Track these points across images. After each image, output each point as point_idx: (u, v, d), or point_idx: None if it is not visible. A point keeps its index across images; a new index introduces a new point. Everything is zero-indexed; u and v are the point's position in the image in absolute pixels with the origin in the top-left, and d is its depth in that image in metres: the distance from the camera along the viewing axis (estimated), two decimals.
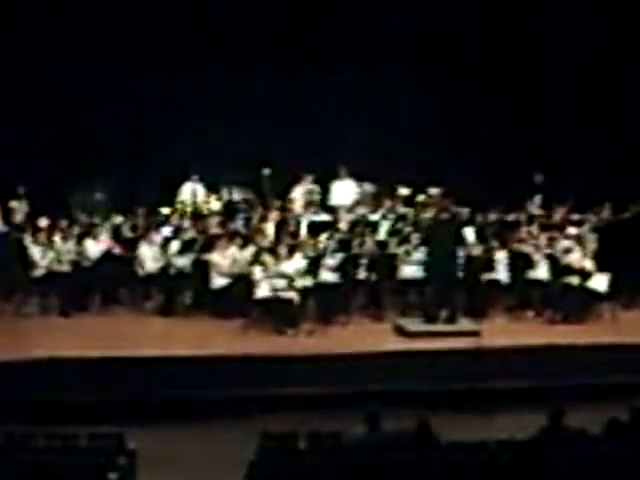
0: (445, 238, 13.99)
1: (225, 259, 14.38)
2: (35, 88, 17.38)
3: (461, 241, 14.42)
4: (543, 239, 14.94)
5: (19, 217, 16.12)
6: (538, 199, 16.48)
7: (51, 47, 17.24)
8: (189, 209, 16.26)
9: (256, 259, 14.23)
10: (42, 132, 17.57)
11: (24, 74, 17.30)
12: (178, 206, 16.30)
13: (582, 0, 17.77)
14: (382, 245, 14.92)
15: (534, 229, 15.29)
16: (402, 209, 15.89)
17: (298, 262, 14.07)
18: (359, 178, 16.81)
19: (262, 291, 13.73)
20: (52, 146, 17.55)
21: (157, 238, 15.01)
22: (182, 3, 17.57)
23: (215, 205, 16.50)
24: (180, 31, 17.57)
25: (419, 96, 18.51)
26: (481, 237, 15.04)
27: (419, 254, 14.35)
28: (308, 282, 13.95)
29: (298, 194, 16.64)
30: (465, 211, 15.49)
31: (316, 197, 16.66)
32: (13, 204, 16.22)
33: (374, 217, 15.80)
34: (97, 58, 17.52)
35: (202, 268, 14.58)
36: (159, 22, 17.47)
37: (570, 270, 14.39)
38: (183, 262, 14.71)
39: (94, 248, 14.94)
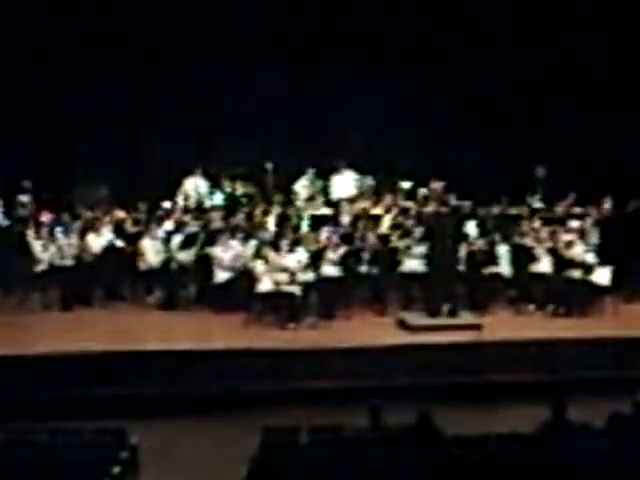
0: (446, 232, 13.96)
1: (227, 253, 14.38)
2: (36, 87, 17.38)
3: (463, 235, 14.42)
4: (545, 233, 14.92)
5: (25, 211, 16.14)
6: (539, 194, 16.41)
7: (52, 46, 17.23)
8: (192, 203, 16.27)
9: (258, 253, 14.23)
10: (44, 127, 17.58)
11: (26, 73, 17.30)
12: (180, 200, 16.32)
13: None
14: (384, 239, 14.91)
15: (536, 223, 15.27)
16: (404, 203, 15.89)
17: (300, 256, 14.06)
18: (360, 172, 16.81)
19: (264, 285, 13.73)
20: (55, 141, 17.56)
21: (159, 232, 15.00)
22: (183, 2, 17.56)
23: (217, 199, 16.51)
24: (181, 29, 17.55)
25: (420, 91, 18.47)
26: (483, 231, 15.05)
27: (421, 248, 14.34)
28: (310, 276, 13.95)
29: (300, 188, 16.64)
30: (467, 205, 15.49)
31: (318, 191, 16.65)
32: (20, 198, 16.25)
33: (376, 211, 15.81)
34: (98, 57, 17.52)
35: (204, 262, 14.58)
36: (160, 20, 17.44)
37: (572, 264, 14.38)
38: (185, 256, 14.71)
39: (96, 242, 14.95)
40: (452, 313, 13.75)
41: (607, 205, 15.86)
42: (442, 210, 14.47)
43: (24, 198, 16.27)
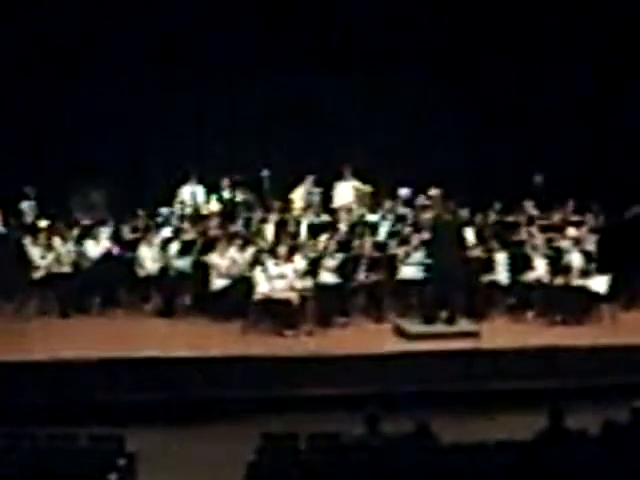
0: (448, 239, 13.95)
1: (225, 260, 14.38)
2: (36, 90, 17.41)
3: (463, 242, 14.46)
4: (543, 240, 14.94)
5: (28, 219, 16.16)
6: (531, 203, 16.39)
7: (53, 51, 17.26)
8: (189, 210, 16.30)
9: (256, 260, 14.24)
10: (42, 135, 17.61)
11: (26, 77, 17.31)
12: (177, 206, 16.35)
13: (582, 3, 17.78)
14: (382, 246, 14.92)
15: (534, 230, 15.29)
16: (402, 210, 15.91)
17: (298, 263, 14.07)
18: (360, 179, 16.85)
19: (262, 292, 13.73)
20: (53, 148, 17.57)
21: (157, 239, 15.00)
22: (182, 8, 17.58)
23: (214, 206, 16.53)
24: (180, 34, 17.59)
25: (420, 97, 18.52)
26: (481, 238, 15.06)
27: (419, 255, 14.35)
28: (308, 283, 13.95)
29: (298, 195, 16.67)
30: (465, 212, 15.51)
31: (316, 198, 16.68)
32: (23, 206, 16.27)
33: (374, 218, 15.83)
34: (98, 62, 17.56)
35: (202, 269, 14.58)
36: (159, 25, 17.48)
37: (570, 271, 14.39)
38: (183, 263, 14.71)
39: (94, 249, 14.95)
40: (449, 320, 13.75)
41: (599, 213, 15.90)
42: (444, 217, 14.41)
43: (26, 205, 16.30)
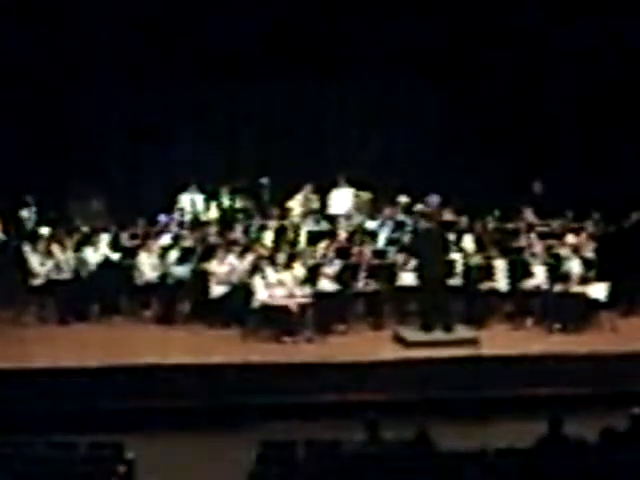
0: (434, 245, 13.94)
1: (224, 268, 14.37)
2: (36, 95, 17.42)
3: (459, 248, 14.44)
4: (542, 247, 14.93)
5: (29, 225, 16.16)
6: (530, 210, 16.39)
7: (51, 57, 17.27)
8: (188, 218, 16.31)
9: (255, 267, 14.24)
10: (42, 142, 17.61)
11: (25, 83, 17.33)
12: (177, 213, 16.37)
13: (584, 11, 17.80)
14: (381, 253, 14.91)
15: (533, 237, 15.29)
16: (401, 217, 15.92)
17: (297, 271, 14.08)
18: (358, 186, 16.87)
19: (261, 299, 13.73)
20: (52, 155, 17.58)
21: (156, 247, 14.99)
22: (181, 16, 17.60)
23: (214, 213, 16.54)
24: (179, 42, 17.61)
25: (419, 104, 18.55)
26: (480, 245, 15.06)
27: (416, 262, 14.34)
28: (307, 290, 13.95)
29: (296, 203, 16.68)
30: (464, 219, 15.52)
31: (314, 206, 16.69)
32: (23, 213, 16.27)
33: (373, 225, 15.83)
34: (97, 68, 17.57)
35: (201, 277, 14.58)
36: (159, 34, 17.50)
37: (569, 278, 14.38)
38: (182, 270, 14.70)
39: (93, 256, 14.95)
40: (447, 328, 13.72)
41: (598, 220, 15.90)
42: (432, 224, 14.44)
43: (26, 213, 16.30)
